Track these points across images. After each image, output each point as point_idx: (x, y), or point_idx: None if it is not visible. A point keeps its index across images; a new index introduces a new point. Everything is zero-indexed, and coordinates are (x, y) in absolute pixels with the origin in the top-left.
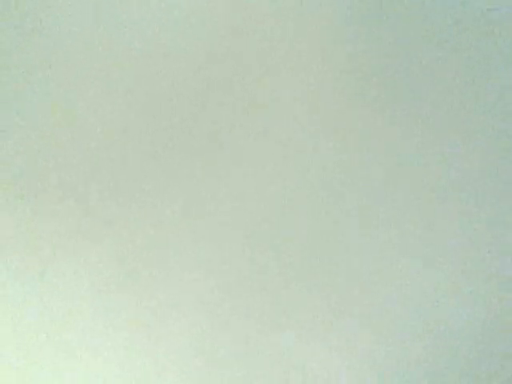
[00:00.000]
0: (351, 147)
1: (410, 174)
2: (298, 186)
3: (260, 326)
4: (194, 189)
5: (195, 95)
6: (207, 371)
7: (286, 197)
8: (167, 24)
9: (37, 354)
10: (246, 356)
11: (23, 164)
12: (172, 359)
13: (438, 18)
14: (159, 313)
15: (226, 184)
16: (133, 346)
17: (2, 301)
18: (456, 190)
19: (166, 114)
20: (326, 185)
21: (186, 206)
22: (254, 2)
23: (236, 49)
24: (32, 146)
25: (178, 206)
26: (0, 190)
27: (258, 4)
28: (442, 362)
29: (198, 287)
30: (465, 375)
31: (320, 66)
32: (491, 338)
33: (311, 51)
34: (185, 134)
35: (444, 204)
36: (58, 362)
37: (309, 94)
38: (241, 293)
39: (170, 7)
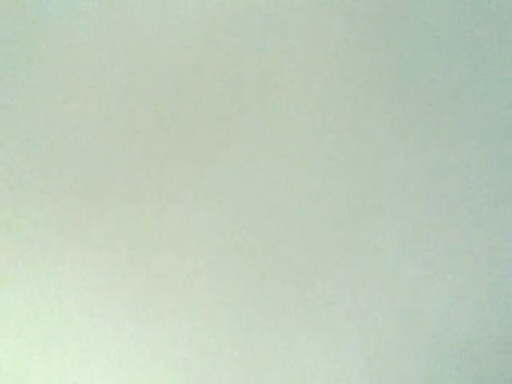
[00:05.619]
0: (353, 149)
1: (414, 175)
2: (298, 185)
3: (260, 326)
4: (197, 188)
5: (195, 94)
6: (206, 370)
7: (285, 198)
8: (168, 20)
9: (37, 354)
10: (244, 356)
11: (24, 164)
12: (171, 356)
13: (442, 22)
14: (159, 312)
15: (226, 183)
16: (133, 345)
17: (3, 300)
18: (457, 193)
19: (166, 113)
20: (326, 184)
21: (187, 206)
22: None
23: (237, 49)
24: (33, 146)
25: (179, 206)
26: (2, 190)
27: (263, 2)
28: (438, 362)
29: (198, 287)
30: (463, 379)
31: (322, 66)
32: (490, 344)
33: (313, 52)
34: (186, 132)
35: (446, 207)
36: (57, 361)
37: (310, 95)
38: (239, 292)
39: (171, 4)
